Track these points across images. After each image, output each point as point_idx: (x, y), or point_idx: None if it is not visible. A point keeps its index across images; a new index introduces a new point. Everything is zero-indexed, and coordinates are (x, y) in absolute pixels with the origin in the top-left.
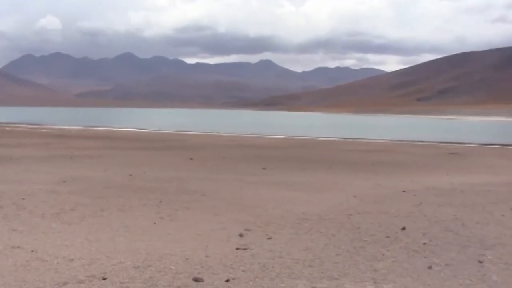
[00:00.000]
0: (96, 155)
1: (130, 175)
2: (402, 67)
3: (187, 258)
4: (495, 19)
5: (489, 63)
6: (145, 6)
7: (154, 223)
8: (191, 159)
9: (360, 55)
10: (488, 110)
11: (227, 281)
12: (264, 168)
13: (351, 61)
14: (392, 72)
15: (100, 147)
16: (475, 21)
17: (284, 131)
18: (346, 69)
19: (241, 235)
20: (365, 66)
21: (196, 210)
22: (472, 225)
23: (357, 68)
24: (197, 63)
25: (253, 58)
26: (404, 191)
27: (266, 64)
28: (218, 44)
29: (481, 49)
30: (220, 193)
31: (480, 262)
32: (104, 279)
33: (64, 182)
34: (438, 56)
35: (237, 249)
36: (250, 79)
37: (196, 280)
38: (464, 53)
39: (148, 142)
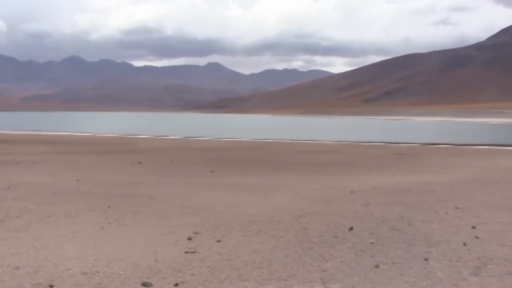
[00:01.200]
0: (42, 160)
1: (77, 180)
2: (349, 68)
3: (135, 263)
4: (439, 21)
5: (433, 64)
6: (92, 8)
7: (102, 228)
8: (139, 163)
9: (307, 57)
10: (433, 110)
11: (176, 285)
12: (212, 171)
13: (298, 63)
14: (339, 74)
15: (46, 152)
16: (420, 23)
17: (232, 133)
18: (294, 71)
19: (190, 239)
20: (312, 68)
21: (145, 214)
22: (418, 223)
23: (305, 70)
24: (145, 66)
25: (202, 61)
26: (352, 192)
27: (215, 67)
28: (166, 47)
29: (426, 51)
30: (168, 197)
31: (426, 259)
32: (51, 286)
33: (9, 188)
34: (384, 58)
35: (186, 252)
36: (198, 82)
37: (145, 285)
38: (409, 55)
39: (96, 146)
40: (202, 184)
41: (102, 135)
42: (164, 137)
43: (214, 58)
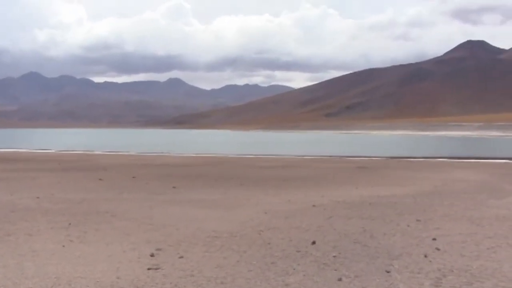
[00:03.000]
0: (0, 178)
1: (37, 197)
2: (310, 83)
3: (97, 281)
4: (398, 36)
5: (393, 78)
6: (51, 24)
7: (63, 246)
8: (100, 179)
9: (268, 72)
10: (394, 124)
11: None
12: (174, 187)
13: (259, 78)
14: (300, 89)
15: (4, 169)
16: (379, 38)
17: (194, 149)
18: (255, 86)
19: (152, 255)
20: (273, 83)
21: (106, 231)
22: (380, 236)
23: (266, 85)
24: (105, 82)
25: (162, 77)
26: (314, 206)
27: (175, 82)
28: (126, 63)
29: (386, 65)
30: (130, 213)
31: (388, 272)
32: None
33: None
34: (344, 73)
35: (148, 269)
36: (159, 98)
37: None
38: (369, 69)
39: (56, 163)
40: (164, 200)
41: (62, 152)
42: (125, 153)
43: (174, 74)
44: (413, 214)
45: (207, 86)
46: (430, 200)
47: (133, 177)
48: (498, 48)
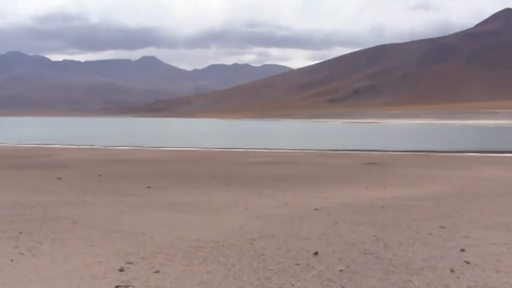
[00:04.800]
0: None
1: None
2: (311, 63)
3: None
4: (416, 5)
5: (411, 57)
6: None
7: (12, 260)
8: (59, 178)
9: (261, 49)
10: (411, 111)
11: None
12: (149, 187)
13: (250, 57)
14: (299, 69)
15: None
16: (393, 8)
17: (173, 142)
18: (245, 67)
19: (121, 270)
20: (267, 62)
21: (66, 241)
22: (395, 246)
23: (258, 65)
24: (65, 61)
25: (134, 55)
26: (316, 209)
27: (150, 62)
28: (90, 38)
29: (401, 41)
30: (95, 219)
31: None
32: None
33: None
34: (352, 50)
35: (116, 287)
36: (130, 80)
37: None
38: (382, 46)
39: (5, 159)
40: (137, 203)
41: (11, 145)
42: (90, 147)
43: (149, 51)
44: (435, 219)
45: (188, 66)
46: (455, 203)
47: (99, 176)
48: None
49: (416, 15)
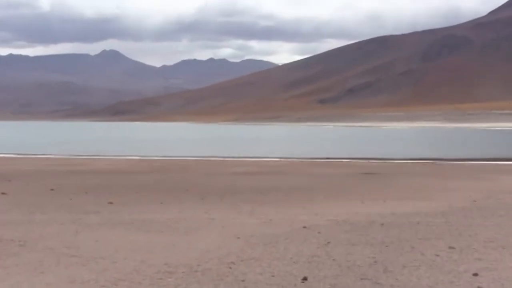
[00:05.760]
0: None
1: None
2: (299, 58)
3: None
4: None
5: (414, 50)
6: None
7: None
8: (3, 194)
9: (240, 42)
10: (415, 113)
11: None
12: (110, 203)
13: (228, 51)
14: (285, 65)
15: None
16: None
17: (138, 150)
18: (222, 62)
19: None
20: (248, 57)
21: (12, 268)
22: (397, 270)
23: (238, 60)
24: (11, 55)
25: (93, 49)
26: (305, 227)
27: (111, 57)
28: (41, 28)
29: (403, 32)
30: (46, 241)
31: None
32: None
33: None
34: (346, 42)
35: None
36: (89, 78)
37: None
38: (380, 38)
39: None
40: (96, 222)
41: None
42: (40, 156)
43: (110, 44)
44: (443, 239)
45: (156, 62)
46: (467, 220)
47: (51, 190)
48: None
49: (420, 2)
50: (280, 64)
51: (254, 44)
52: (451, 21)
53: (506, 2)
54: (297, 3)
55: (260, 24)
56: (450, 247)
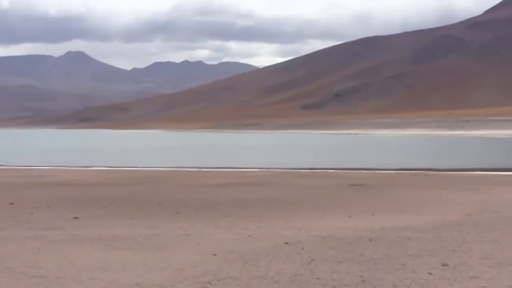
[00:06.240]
0: None
1: None
2: (280, 60)
3: None
4: None
5: (405, 52)
6: None
7: None
8: None
9: (218, 43)
10: (406, 119)
11: None
12: (76, 218)
13: (204, 53)
14: (265, 68)
15: None
16: None
17: (107, 160)
18: (198, 65)
19: None
20: (226, 59)
21: None
22: None
23: (215, 62)
24: None
25: (57, 50)
26: (287, 243)
27: (78, 59)
28: (0, 27)
29: (394, 32)
30: (5, 261)
31: None
32: None
33: None
34: (332, 44)
35: None
36: (53, 82)
37: None
38: (369, 38)
39: None
40: (61, 239)
41: None
42: None
43: (76, 45)
44: (436, 255)
45: (126, 65)
46: (461, 235)
47: (11, 204)
48: None
49: (410, 0)
50: (260, 67)
51: (233, 45)
52: (444, 21)
53: (502, 1)
54: (279, 2)
55: (239, 24)
56: (443, 264)
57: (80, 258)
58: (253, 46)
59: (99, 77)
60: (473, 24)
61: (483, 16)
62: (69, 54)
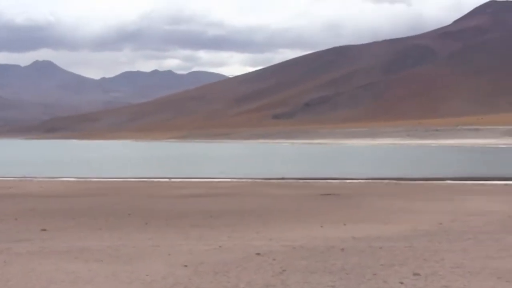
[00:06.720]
0: None
1: None
2: (251, 69)
3: None
4: None
5: (375, 61)
6: None
7: None
8: None
9: (188, 52)
10: (376, 129)
11: None
12: (43, 230)
13: (174, 62)
14: (236, 78)
15: None
16: (352, 1)
17: (75, 170)
18: (168, 74)
19: None
20: (196, 68)
21: None
22: None
23: (184, 72)
24: None
25: (24, 59)
26: (258, 254)
27: (45, 68)
28: None
29: (364, 41)
30: None
31: None
32: None
33: None
34: (302, 53)
35: None
36: (19, 91)
37: None
38: (339, 48)
39: None
40: (27, 251)
41: None
42: None
43: (43, 55)
44: (408, 265)
45: (94, 74)
46: (433, 244)
47: None
48: None
49: (381, 10)
50: (230, 76)
51: (203, 54)
52: (414, 30)
53: (472, 11)
54: (249, 11)
55: (209, 33)
56: (415, 274)
57: (48, 271)
58: (223, 55)
59: (67, 87)
60: (443, 33)
61: (452, 26)
62: (36, 63)
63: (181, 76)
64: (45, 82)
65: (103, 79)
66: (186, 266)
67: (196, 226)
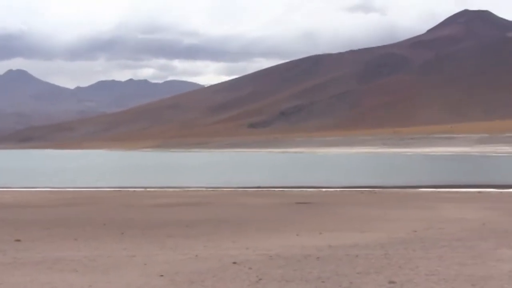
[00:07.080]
0: None
1: None
2: (226, 78)
3: None
4: (356, 6)
5: (350, 70)
6: None
7: None
8: None
9: (163, 61)
10: (351, 137)
11: None
12: (17, 240)
13: (149, 71)
14: (211, 87)
15: None
16: (328, 10)
17: (49, 180)
18: (143, 83)
19: None
20: (171, 78)
21: None
22: None
23: (160, 81)
24: None
25: None
26: (234, 263)
27: (18, 77)
28: None
29: (339, 50)
30: None
31: None
32: None
33: None
34: (277, 62)
35: None
36: None
37: None
38: (314, 57)
39: None
40: (1, 262)
41: None
42: None
43: (17, 64)
44: (383, 273)
45: (69, 83)
46: (408, 252)
47: None
48: (509, 21)
49: (356, 19)
50: (206, 86)
51: (178, 63)
52: (388, 39)
53: (445, 20)
54: (224, 19)
55: (184, 42)
56: (391, 282)
57: (23, 282)
58: (198, 64)
59: (41, 96)
60: (416, 42)
61: (426, 35)
62: (9, 72)
63: (156, 85)
64: (19, 91)
65: (78, 88)
66: (162, 276)
67: (172, 236)
